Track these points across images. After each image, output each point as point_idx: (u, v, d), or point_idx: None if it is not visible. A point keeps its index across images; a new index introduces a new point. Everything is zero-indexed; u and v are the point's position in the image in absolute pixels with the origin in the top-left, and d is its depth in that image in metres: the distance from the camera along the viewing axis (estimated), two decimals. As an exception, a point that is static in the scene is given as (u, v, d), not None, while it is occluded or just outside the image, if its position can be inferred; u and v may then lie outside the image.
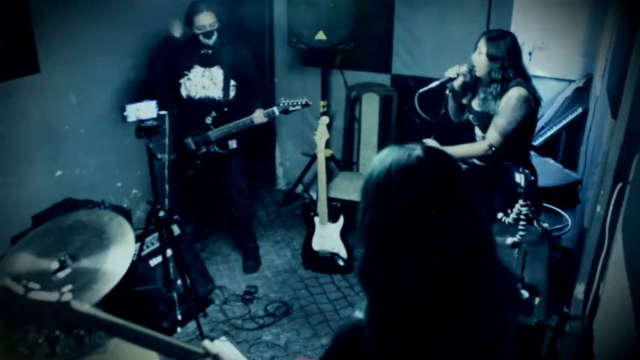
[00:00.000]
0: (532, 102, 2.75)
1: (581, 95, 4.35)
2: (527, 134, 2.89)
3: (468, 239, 1.01)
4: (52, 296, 1.16)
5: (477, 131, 2.99)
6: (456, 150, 2.87)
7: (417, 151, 1.03)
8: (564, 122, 4.39)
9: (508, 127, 2.75)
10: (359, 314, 1.09)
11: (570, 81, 4.42)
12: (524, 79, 2.78)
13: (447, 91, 2.99)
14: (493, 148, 2.81)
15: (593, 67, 4.20)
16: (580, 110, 4.31)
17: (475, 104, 2.95)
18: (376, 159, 1.07)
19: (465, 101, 3.06)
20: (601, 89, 3.56)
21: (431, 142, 2.89)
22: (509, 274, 1.21)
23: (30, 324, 1.19)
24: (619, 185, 2.11)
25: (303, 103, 3.40)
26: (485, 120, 2.86)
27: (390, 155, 1.04)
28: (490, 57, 2.78)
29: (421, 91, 2.93)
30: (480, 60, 2.83)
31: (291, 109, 3.41)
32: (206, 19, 3.34)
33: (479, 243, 1.04)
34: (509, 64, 2.75)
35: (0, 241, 2.94)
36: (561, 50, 4.35)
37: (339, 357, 1.12)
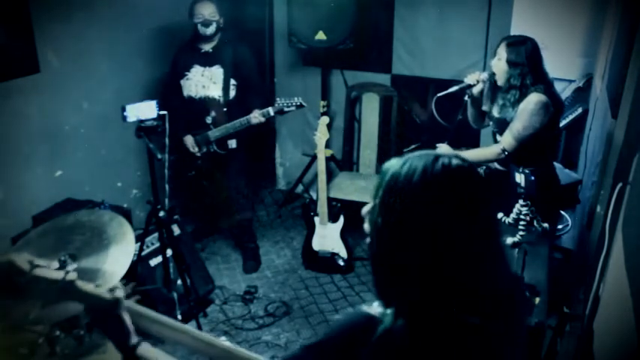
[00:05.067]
0: (551, 108, 2.68)
1: (581, 95, 4.33)
2: (546, 141, 2.81)
3: (483, 248, 1.03)
4: (57, 274, 1.16)
5: (498, 138, 2.92)
6: (469, 154, 2.83)
7: (442, 158, 1.02)
8: (564, 122, 4.38)
9: (523, 132, 2.68)
10: (366, 308, 1.10)
11: (570, 81, 4.40)
12: (546, 84, 2.71)
13: (466, 97, 2.96)
14: (506, 152, 2.75)
15: (593, 67, 4.19)
16: (580, 110, 4.30)
17: (495, 111, 2.90)
18: (397, 162, 1.05)
19: (485, 108, 3.01)
20: (601, 89, 3.56)
21: (444, 147, 2.86)
22: (517, 280, 1.23)
23: (34, 300, 1.19)
24: (619, 185, 2.11)
25: (298, 103, 3.42)
26: (503, 126, 2.81)
27: (413, 160, 1.03)
28: (510, 63, 2.71)
29: (440, 95, 2.90)
30: (499, 66, 2.77)
31: (285, 109, 3.43)
32: (205, 9, 3.40)
33: (491, 252, 1.05)
34: (528, 70, 2.68)
35: (0, 241, 2.94)
36: (561, 50, 4.33)
37: (343, 342, 1.12)
